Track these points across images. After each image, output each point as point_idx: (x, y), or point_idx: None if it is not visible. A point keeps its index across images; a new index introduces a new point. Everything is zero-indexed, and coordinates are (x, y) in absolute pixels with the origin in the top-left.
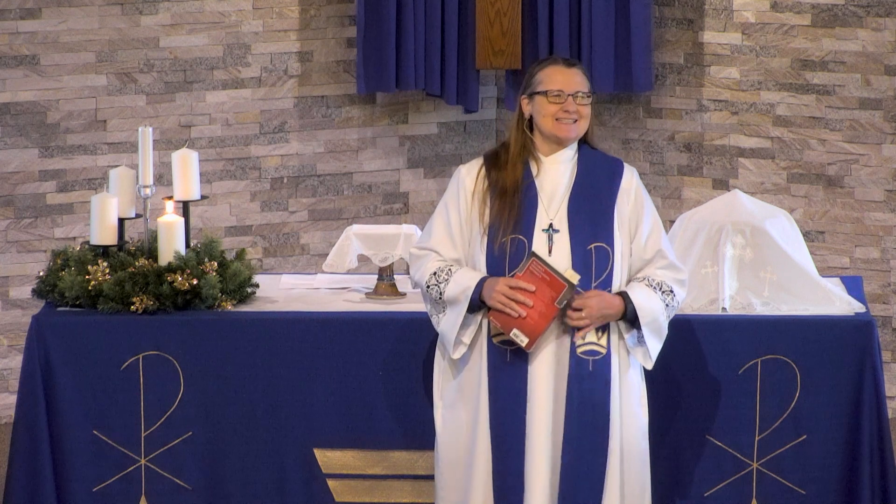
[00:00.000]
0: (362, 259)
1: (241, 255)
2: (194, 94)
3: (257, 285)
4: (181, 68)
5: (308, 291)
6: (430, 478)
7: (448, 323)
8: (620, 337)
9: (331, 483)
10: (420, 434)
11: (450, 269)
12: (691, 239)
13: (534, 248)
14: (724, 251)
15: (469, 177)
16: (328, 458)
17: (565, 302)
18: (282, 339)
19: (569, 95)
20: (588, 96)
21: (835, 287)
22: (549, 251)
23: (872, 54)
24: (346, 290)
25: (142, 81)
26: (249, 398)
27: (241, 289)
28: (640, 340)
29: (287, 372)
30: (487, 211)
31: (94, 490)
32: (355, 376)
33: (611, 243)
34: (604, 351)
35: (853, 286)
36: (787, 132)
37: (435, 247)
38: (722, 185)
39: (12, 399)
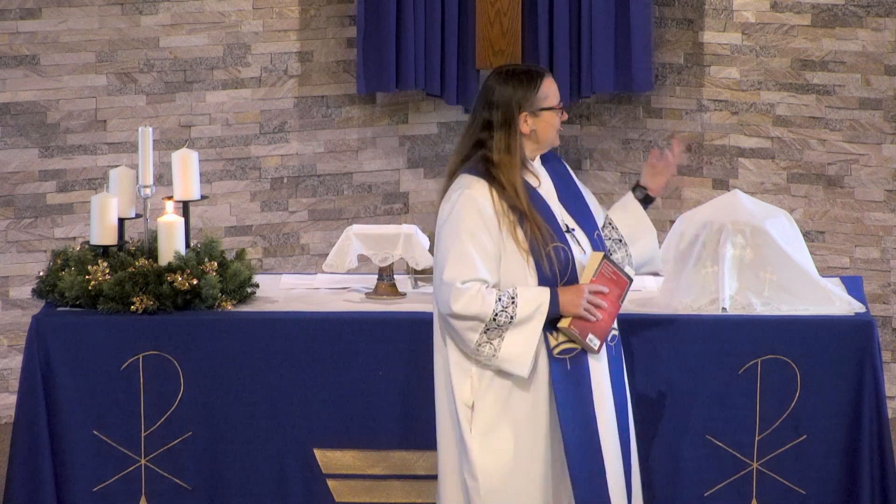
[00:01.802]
0: (362, 259)
1: (241, 255)
2: (194, 94)
3: (257, 285)
4: (181, 68)
5: (308, 291)
6: (430, 478)
7: (518, 344)
8: None
9: (331, 483)
10: (420, 434)
11: (509, 293)
12: (691, 239)
13: (573, 251)
14: (724, 251)
15: (486, 201)
16: (328, 458)
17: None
18: (282, 339)
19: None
20: None
21: (835, 287)
22: (580, 249)
23: (872, 54)
24: (346, 290)
25: (142, 81)
26: (249, 398)
27: (241, 289)
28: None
29: (287, 372)
30: (519, 231)
31: (94, 490)
32: (355, 376)
33: (598, 227)
34: (617, 332)
35: (853, 286)
36: (787, 132)
37: (482, 276)
38: (722, 185)
39: (12, 399)
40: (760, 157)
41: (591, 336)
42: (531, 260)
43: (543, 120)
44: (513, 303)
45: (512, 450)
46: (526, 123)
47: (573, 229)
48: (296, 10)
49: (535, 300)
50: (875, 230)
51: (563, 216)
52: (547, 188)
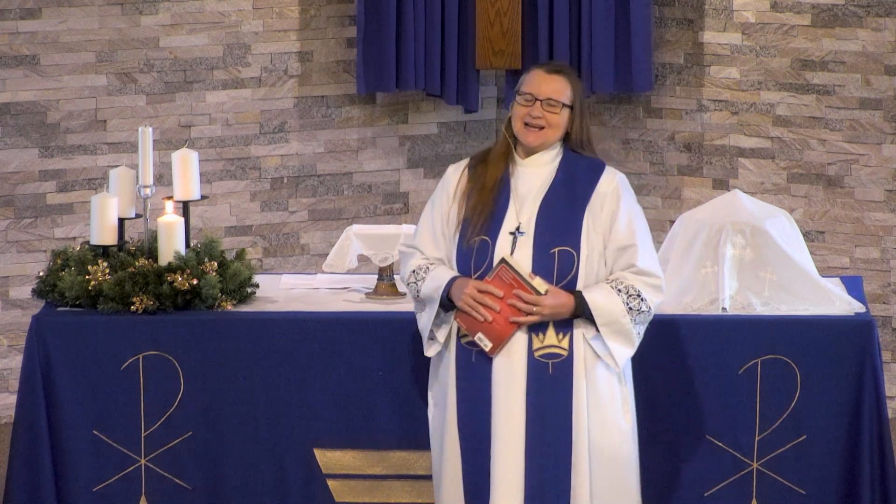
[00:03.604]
0: (362, 259)
1: (241, 255)
2: (194, 94)
3: (257, 285)
4: (181, 68)
5: (308, 291)
6: (430, 478)
7: (423, 320)
8: (585, 339)
9: (331, 483)
10: (420, 434)
11: (428, 268)
12: (691, 239)
13: (497, 249)
14: (724, 251)
15: (454, 175)
16: (328, 458)
17: None
18: (282, 339)
19: (538, 101)
20: (561, 106)
21: (835, 287)
22: (511, 253)
23: (872, 54)
24: (346, 290)
25: (142, 81)
26: (249, 398)
27: (241, 289)
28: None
29: (287, 372)
30: (464, 209)
31: (94, 490)
32: (355, 376)
33: (577, 247)
34: (565, 353)
35: (853, 286)
36: (787, 132)
37: (419, 245)
38: (722, 185)
39: (12, 399)
40: (760, 157)
41: (480, 335)
42: (458, 240)
43: (514, 107)
44: (423, 278)
45: (441, 425)
46: (513, 107)
47: (523, 233)
48: (296, 10)
49: (437, 281)
50: (875, 230)
51: (523, 216)
52: (526, 184)
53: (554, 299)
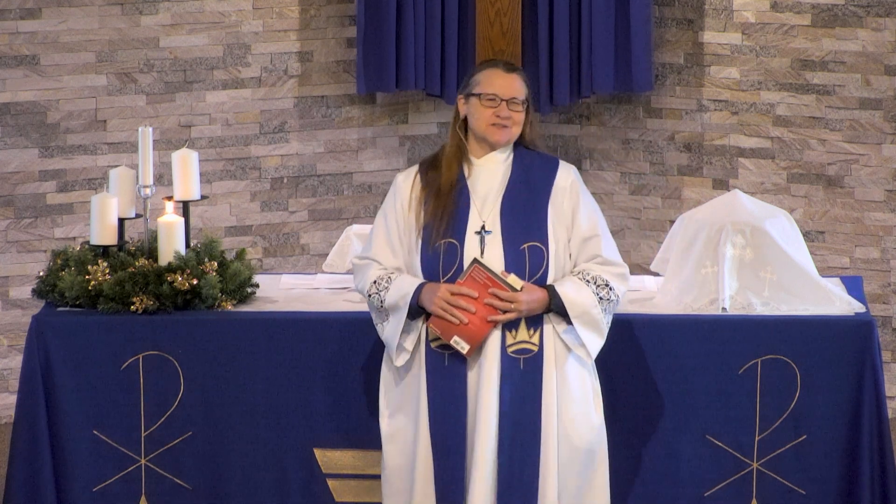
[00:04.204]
0: None
1: (241, 255)
2: (194, 94)
3: (257, 285)
4: (181, 68)
5: (308, 291)
6: None
7: (390, 330)
8: (555, 333)
9: (331, 483)
10: None
11: (390, 277)
12: (691, 239)
13: (466, 251)
14: (724, 251)
15: (405, 183)
16: (328, 458)
17: None
18: (282, 339)
19: (503, 101)
20: (523, 103)
21: (835, 287)
22: (482, 253)
23: (872, 54)
24: (346, 290)
25: (142, 81)
26: (249, 398)
27: (241, 289)
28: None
29: (287, 372)
30: (423, 214)
31: (94, 490)
32: (355, 376)
33: (545, 242)
34: (535, 348)
35: (853, 286)
36: (787, 132)
37: (375, 256)
38: (722, 185)
39: (12, 399)
40: (760, 157)
41: (456, 338)
42: (420, 246)
43: (472, 107)
44: (387, 287)
45: (409, 433)
46: (462, 107)
47: (489, 231)
48: (296, 10)
49: (402, 289)
50: (875, 230)
51: (486, 215)
52: (484, 184)
53: (529, 295)
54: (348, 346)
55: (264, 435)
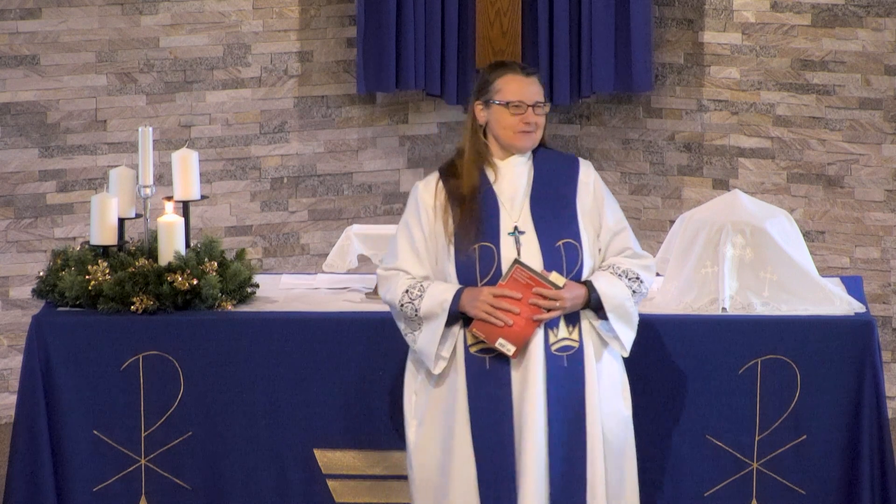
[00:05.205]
0: (362, 259)
1: (241, 255)
2: (194, 94)
3: (257, 285)
4: (181, 68)
5: (308, 291)
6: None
7: (426, 339)
8: (592, 329)
9: (331, 483)
10: None
11: (421, 286)
12: (691, 239)
13: (502, 253)
14: (724, 251)
15: (427, 192)
16: (328, 459)
17: None
18: (282, 339)
19: (528, 107)
20: (545, 105)
21: (835, 287)
22: (518, 253)
23: (872, 54)
24: (346, 290)
25: (142, 81)
26: (249, 398)
27: (241, 289)
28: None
29: (287, 372)
30: (451, 221)
31: (94, 490)
32: (355, 376)
33: (577, 238)
34: (576, 345)
35: (853, 286)
36: (787, 132)
37: (402, 266)
38: (722, 185)
39: (12, 399)
40: (760, 157)
41: (501, 340)
42: (453, 252)
43: (494, 114)
44: (420, 296)
45: (442, 441)
46: (481, 113)
47: (523, 232)
48: (296, 10)
49: (440, 296)
50: (875, 230)
51: (516, 216)
52: (510, 186)
53: (571, 292)
54: (348, 346)
55: (264, 435)
